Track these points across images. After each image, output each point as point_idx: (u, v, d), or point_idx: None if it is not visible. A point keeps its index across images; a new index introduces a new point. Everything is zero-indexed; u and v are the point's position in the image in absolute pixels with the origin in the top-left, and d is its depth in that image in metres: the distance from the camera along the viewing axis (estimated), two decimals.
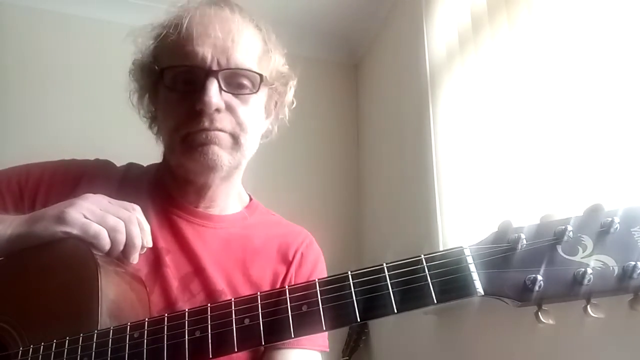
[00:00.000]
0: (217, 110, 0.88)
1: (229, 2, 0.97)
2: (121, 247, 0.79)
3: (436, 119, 2.21)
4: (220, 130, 0.89)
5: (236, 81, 0.91)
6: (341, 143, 3.20)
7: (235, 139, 0.92)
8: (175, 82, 0.91)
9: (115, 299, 0.75)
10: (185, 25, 0.90)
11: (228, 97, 0.90)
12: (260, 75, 0.93)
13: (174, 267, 0.91)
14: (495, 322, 1.64)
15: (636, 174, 1.17)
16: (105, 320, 0.71)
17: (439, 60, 2.25)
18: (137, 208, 0.84)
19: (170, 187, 1.00)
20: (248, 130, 0.93)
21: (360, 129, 3.25)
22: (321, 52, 3.22)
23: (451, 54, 2.13)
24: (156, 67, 0.93)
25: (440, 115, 2.18)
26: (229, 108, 0.90)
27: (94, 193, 0.84)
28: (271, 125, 1.06)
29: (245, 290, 0.91)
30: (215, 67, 0.89)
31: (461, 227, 1.93)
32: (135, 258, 0.81)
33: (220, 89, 0.89)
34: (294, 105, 1.08)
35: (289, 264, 0.99)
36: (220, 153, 0.90)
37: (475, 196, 1.83)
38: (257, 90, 0.93)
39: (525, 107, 1.59)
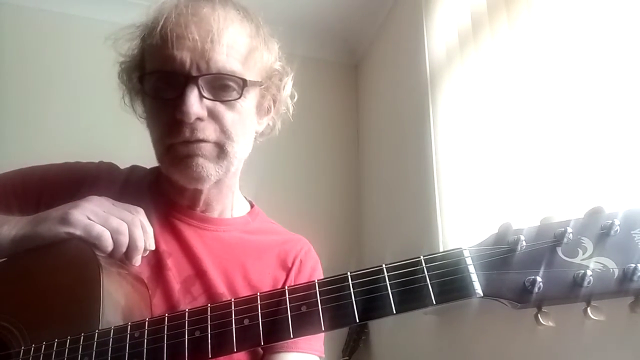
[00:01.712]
0: (199, 119, 0.84)
1: (225, 4, 0.90)
2: (124, 249, 0.79)
3: (436, 119, 2.21)
4: (203, 140, 0.85)
5: (220, 84, 0.86)
6: (341, 143, 3.20)
7: (221, 147, 0.88)
8: (156, 89, 0.87)
9: (117, 299, 0.75)
10: (161, 27, 0.84)
11: (212, 103, 0.86)
12: (244, 80, 0.87)
13: (175, 270, 0.91)
14: (495, 322, 1.64)
15: (637, 176, 1.16)
16: (106, 321, 0.71)
17: (439, 60, 2.25)
18: (141, 211, 0.84)
19: (169, 191, 0.99)
20: (235, 137, 0.89)
21: (360, 129, 3.25)
22: (321, 52, 3.23)
23: (451, 54, 2.13)
24: (137, 73, 0.91)
25: (440, 115, 2.18)
26: (213, 115, 0.86)
27: (97, 195, 0.84)
28: (272, 122, 1.02)
29: (245, 293, 0.90)
30: (194, 73, 0.83)
31: (461, 228, 1.93)
32: (137, 260, 0.82)
33: (202, 95, 0.84)
34: (295, 98, 1.04)
35: (288, 270, 0.99)
36: (206, 164, 0.87)
37: (475, 197, 1.83)
38: (241, 96, 0.87)
39: (526, 107, 1.59)
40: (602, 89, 1.29)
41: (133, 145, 1.05)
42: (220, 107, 0.87)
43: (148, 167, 1.07)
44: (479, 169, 1.82)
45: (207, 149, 0.87)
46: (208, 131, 0.86)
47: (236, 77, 0.86)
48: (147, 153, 0.98)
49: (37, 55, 2.72)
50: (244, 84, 0.87)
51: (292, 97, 1.03)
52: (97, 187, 0.94)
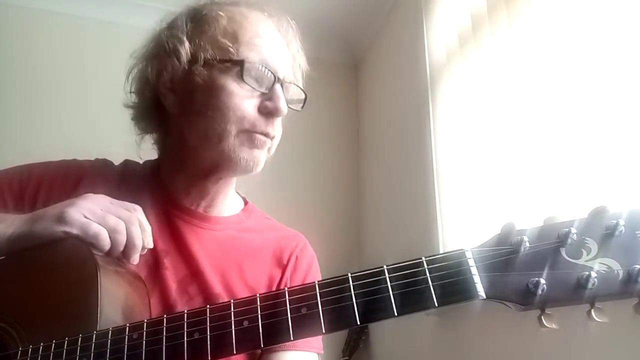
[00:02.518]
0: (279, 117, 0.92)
1: (286, 20, 1.03)
2: (121, 248, 0.78)
3: (436, 119, 2.21)
4: (274, 137, 0.94)
5: (291, 94, 0.98)
6: (341, 143, 3.19)
7: (270, 147, 0.96)
8: (246, 76, 0.90)
9: (115, 299, 0.75)
10: (258, 29, 0.94)
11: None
12: (306, 94, 1.00)
13: (172, 270, 0.90)
14: (497, 323, 1.64)
15: None
16: (105, 321, 0.70)
17: (439, 60, 2.24)
18: (138, 208, 0.83)
19: (171, 186, 0.99)
20: (277, 141, 0.97)
21: (360, 129, 3.25)
22: (321, 52, 3.21)
23: (451, 54, 2.13)
24: (232, 55, 0.90)
25: (440, 115, 2.18)
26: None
27: (95, 193, 0.83)
28: None
29: (241, 293, 0.90)
30: (282, 77, 0.93)
31: (461, 228, 1.92)
32: (135, 259, 0.81)
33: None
34: None
35: (284, 268, 0.99)
36: (263, 159, 0.95)
37: (476, 197, 1.83)
38: (303, 107, 1.00)
39: (526, 107, 1.59)
40: (603, 87, 1.29)
41: (130, 144, 1.05)
42: None
43: (141, 162, 1.07)
44: (479, 168, 1.82)
45: (268, 147, 0.94)
46: (278, 130, 0.95)
47: (303, 90, 1.01)
48: (146, 153, 0.98)
49: (37, 56, 2.72)
50: (305, 97, 1.01)
51: None
52: (96, 184, 0.93)
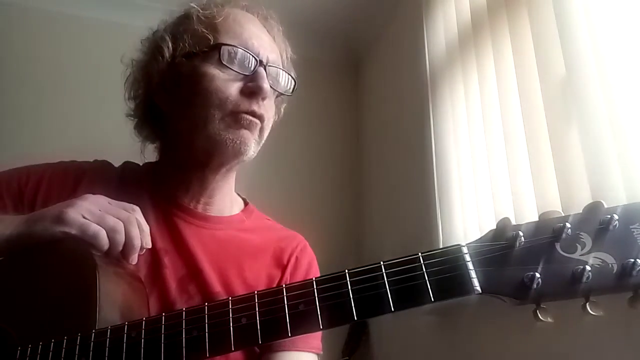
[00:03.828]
0: (264, 99, 0.92)
1: (266, 11, 1.04)
2: (120, 248, 0.79)
3: (436, 118, 2.21)
4: (262, 117, 0.93)
5: (278, 78, 0.99)
6: (341, 143, 3.19)
7: (261, 132, 0.96)
8: (226, 60, 0.92)
9: (114, 298, 0.75)
10: (236, 17, 0.97)
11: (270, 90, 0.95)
12: (295, 81, 1.01)
13: (172, 268, 0.91)
14: (495, 322, 1.64)
15: (635, 171, 1.16)
16: (104, 320, 0.71)
17: (439, 60, 2.24)
18: (137, 209, 0.84)
19: (171, 184, 0.99)
20: (268, 126, 0.98)
21: (361, 129, 3.25)
22: (321, 52, 3.22)
23: (451, 54, 2.13)
24: (210, 42, 0.93)
25: (440, 115, 2.18)
26: (267, 101, 0.95)
27: (94, 194, 0.84)
28: None
29: (241, 292, 0.90)
30: (264, 60, 0.94)
31: (461, 226, 1.92)
32: (134, 259, 0.81)
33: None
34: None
35: (283, 268, 0.99)
36: (252, 143, 0.93)
37: (476, 196, 1.83)
38: (292, 92, 1.02)
39: (526, 105, 1.59)
40: (601, 84, 1.29)
41: (130, 145, 1.05)
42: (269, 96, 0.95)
43: (140, 164, 1.07)
44: (479, 167, 1.82)
45: (257, 130, 0.94)
46: (268, 113, 0.95)
47: (292, 76, 1.01)
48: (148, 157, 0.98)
49: (38, 56, 2.72)
50: (295, 84, 1.02)
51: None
52: (95, 185, 0.94)
